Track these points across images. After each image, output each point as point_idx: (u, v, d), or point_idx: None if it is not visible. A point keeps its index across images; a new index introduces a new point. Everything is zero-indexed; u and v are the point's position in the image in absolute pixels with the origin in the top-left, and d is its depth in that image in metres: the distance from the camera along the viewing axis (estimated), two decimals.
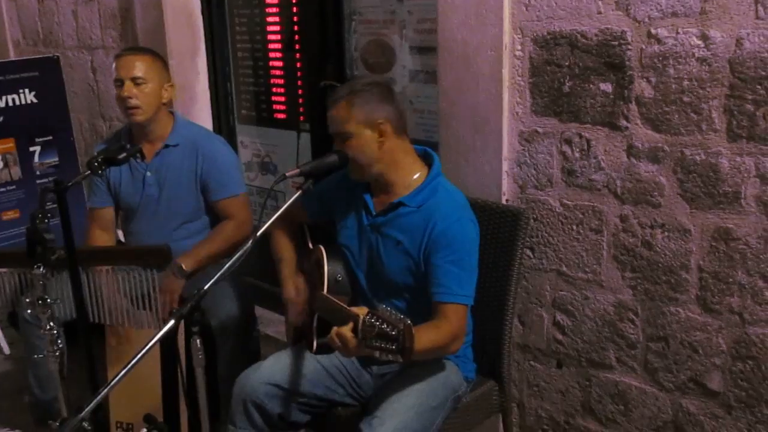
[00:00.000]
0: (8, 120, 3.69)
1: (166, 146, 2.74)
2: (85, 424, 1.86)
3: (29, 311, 2.55)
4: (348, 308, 1.81)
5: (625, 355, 2.22)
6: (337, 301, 1.90)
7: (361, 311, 1.73)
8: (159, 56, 2.76)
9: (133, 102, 2.63)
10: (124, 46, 3.75)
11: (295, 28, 3.18)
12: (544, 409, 2.47)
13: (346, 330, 1.75)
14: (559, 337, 2.36)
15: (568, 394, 2.39)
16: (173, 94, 2.78)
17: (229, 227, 2.74)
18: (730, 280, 1.97)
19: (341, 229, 2.20)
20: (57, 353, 2.13)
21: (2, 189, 3.71)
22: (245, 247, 1.81)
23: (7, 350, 3.71)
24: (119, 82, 2.64)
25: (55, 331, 2.11)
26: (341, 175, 2.20)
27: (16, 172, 3.75)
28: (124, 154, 2.09)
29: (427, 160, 2.14)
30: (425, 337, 1.87)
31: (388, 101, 2.06)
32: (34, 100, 3.78)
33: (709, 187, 1.95)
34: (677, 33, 1.92)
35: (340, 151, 2.06)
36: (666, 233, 2.06)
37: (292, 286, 2.22)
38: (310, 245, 2.29)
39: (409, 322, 1.63)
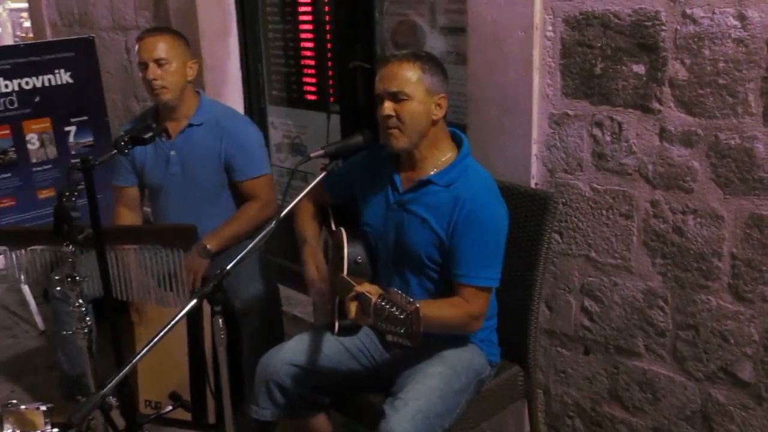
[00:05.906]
0: (45, 100, 3.75)
1: (190, 125, 2.75)
2: (112, 399, 1.88)
3: (58, 288, 2.59)
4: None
5: (653, 342, 2.18)
6: (354, 283, 1.89)
7: (374, 293, 1.73)
8: (180, 34, 2.76)
9: (159, 83, 2.64)
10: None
11: (326, 8, 3.16)
12: (570, 396, 2.44)
13: (367, 287, 1.79)
14: (587, 323, 2.32)
15: (595, 381, 2.36)
16: (197, 71, 2.78)
17: (253, 208, 2.75)
18: (764, 268, 1.92)
19: (365, 208, 2.19)
20: (85, 330, 2.17)
21: (38, 168, 3.78)
22: (269, 227, 1.82)
23: (41, 326, 3.78)
24: (143, 65, 2.66)
25: (83, 308, 2.15)
26: (365, 155, 2.18)
27: (52, 151, 3.82)
28: (150, 134, 2.10)
29: (456, 140, 2.12)
30: (438, 311, 1.92)
31: (447, 80, 2.05)
32: (70, 81, 3.84)
33: (744, 173, 1.90)
34: (713, 13, 1.86)
35: (365, 131, 2.04)
36: (698, 219, 2.01)
37: (312, 266, 2.21)
38: (333, 228, 2.28)
39: (417, 305, 1.63)
